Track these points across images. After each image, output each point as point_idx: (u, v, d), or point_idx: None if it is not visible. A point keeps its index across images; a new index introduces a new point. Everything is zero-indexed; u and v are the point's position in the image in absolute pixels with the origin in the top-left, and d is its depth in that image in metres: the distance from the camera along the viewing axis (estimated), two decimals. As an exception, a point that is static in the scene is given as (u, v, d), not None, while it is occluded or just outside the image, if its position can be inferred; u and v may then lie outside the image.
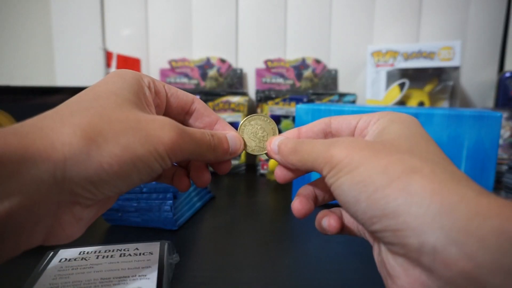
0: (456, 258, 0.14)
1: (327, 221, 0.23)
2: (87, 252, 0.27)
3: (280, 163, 0.24)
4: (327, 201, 0.24)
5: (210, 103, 0.65)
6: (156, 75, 0.71)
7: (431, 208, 0.15)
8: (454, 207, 0.15)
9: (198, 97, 0.27)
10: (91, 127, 0.18)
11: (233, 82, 0.71)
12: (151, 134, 0.20)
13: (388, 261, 0.18)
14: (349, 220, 0.24)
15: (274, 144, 0.24)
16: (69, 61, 0.69)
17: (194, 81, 0.70)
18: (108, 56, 0.68)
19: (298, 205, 0.23)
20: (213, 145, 0.23)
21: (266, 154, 0.24)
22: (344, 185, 0.18)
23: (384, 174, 0.17)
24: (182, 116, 0.26)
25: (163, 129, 0.20)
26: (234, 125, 0.64)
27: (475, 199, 0.15)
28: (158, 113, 0.24)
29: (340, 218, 0.23)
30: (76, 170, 0.18)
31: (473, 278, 0.14)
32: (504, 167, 0.52)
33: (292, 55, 0.73)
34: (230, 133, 0.25)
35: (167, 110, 0.25)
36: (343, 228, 0.23)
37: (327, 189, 0.23)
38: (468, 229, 0.14)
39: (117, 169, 0.18)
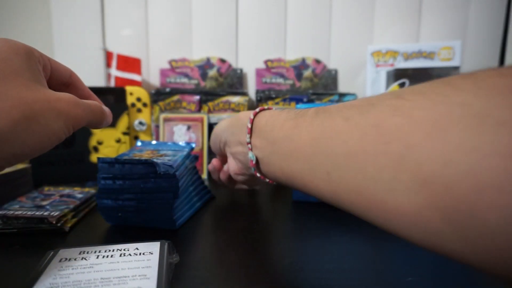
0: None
1: (211, 163, 0.46)
2: (87, 252, 0.27)
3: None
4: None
5: (210, 103, 0.65)
6: (156, 75, 0.71)
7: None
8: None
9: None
10: (16, 111, 0.21)
11: (233, 82, 0.71)
12: (61, 112, 0.24)
13: (230, 162, 0.39)
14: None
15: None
16: (69, 61, 0.67)
17: (194, 81, 0.70)
18: (108, 56, 0.68)
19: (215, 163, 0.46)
20: (104, 117, 0.29)
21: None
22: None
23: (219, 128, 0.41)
24: (59, 87, 0.29)
25: (69, 106, 0.24)
26: (234, 125, 0.64)
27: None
28: None
29: (221, 164, 0.45)
30: (4, 150, 0.21)
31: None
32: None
33: (292, 55, 0.73)
34: (105, 107, 0.31)
35: (49, 82, 0.28)
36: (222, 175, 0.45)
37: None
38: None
39: (37, 144, 0.23)
